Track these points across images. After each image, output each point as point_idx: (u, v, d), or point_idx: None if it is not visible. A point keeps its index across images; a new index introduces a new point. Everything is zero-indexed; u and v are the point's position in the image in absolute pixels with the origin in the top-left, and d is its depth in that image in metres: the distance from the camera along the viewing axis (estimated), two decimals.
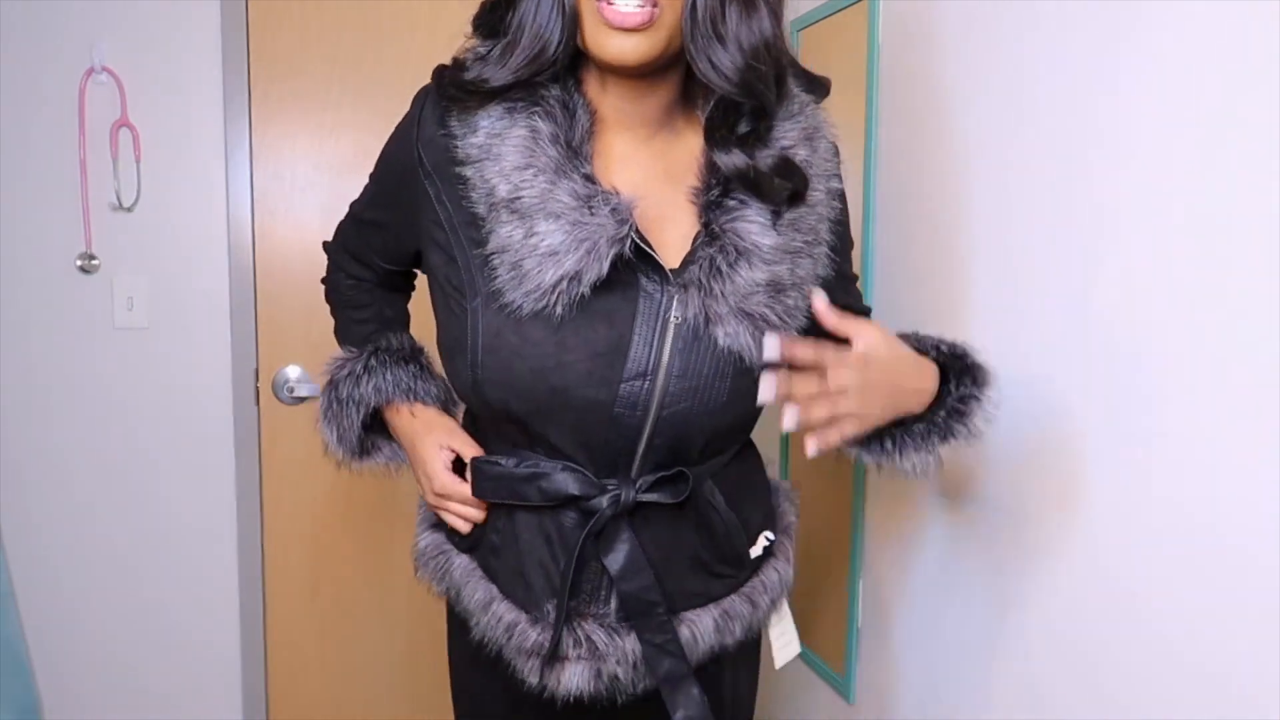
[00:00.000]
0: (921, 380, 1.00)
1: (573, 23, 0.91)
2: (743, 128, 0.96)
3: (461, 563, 1.10)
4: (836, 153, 1.07)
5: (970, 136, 1.24)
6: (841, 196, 1.08)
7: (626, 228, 0.91)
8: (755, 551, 1.13)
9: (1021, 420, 1.14)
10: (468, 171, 0.95)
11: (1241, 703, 0.85)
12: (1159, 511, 0.94)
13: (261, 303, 2.07)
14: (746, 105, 0.94)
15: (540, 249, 0.90)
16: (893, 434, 1.04)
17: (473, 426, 1.14)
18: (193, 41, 1.96)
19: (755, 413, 1.03)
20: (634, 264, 0.94)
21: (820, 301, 0.91)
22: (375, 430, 1.18)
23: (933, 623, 1.37)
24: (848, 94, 1.52)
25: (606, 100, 0.98)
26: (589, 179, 0.92)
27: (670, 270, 0.96)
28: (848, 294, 1.13)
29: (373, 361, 1.14)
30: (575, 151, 0.93)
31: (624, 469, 1.01)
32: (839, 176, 1.06)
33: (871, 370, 0.92)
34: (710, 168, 0.97)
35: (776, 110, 0.97)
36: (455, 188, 0.97)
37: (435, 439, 1.11)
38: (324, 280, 1.27)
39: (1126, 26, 0.96)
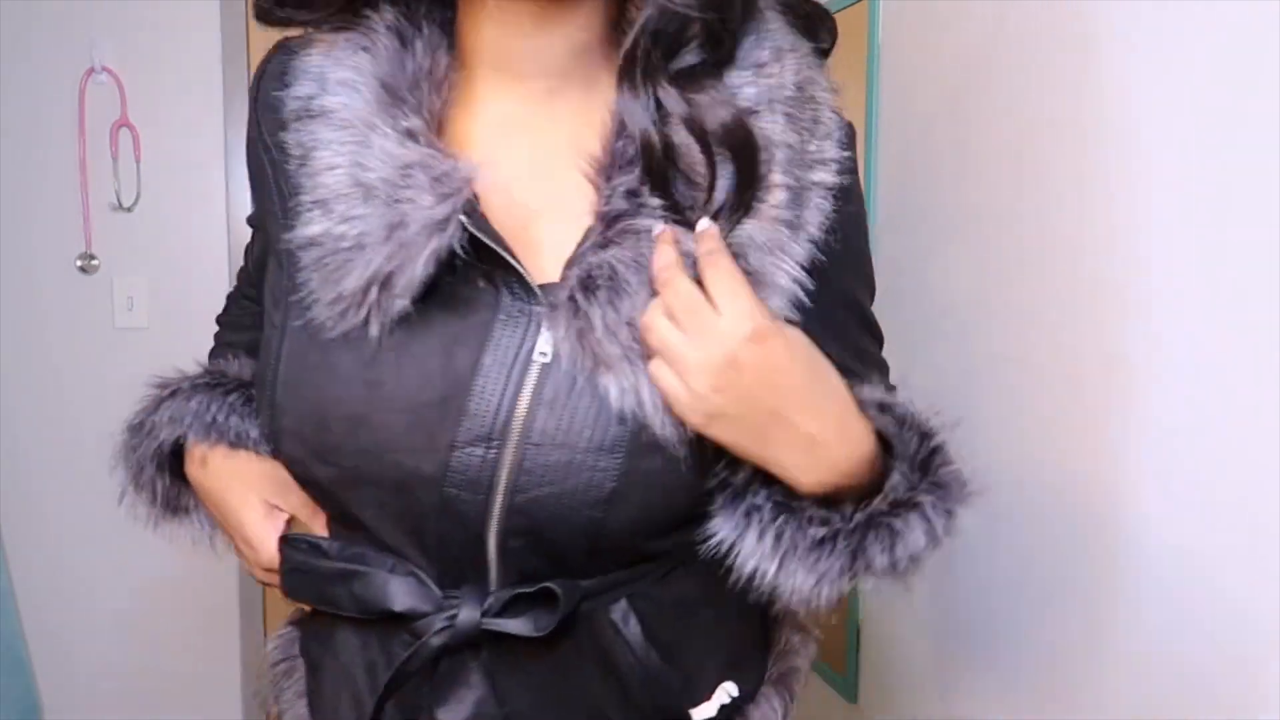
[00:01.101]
0: (824, 427, 0.63)
1: None
2: (687, 59, 0.64)
3: (297, 680, 0.82)
4: (848, 135, 0.73)
5: (973, 137, 1.24)
6: (851, 197, 0.71)
7: (449, 208, 0.62)
8: (706, 711, 0.75)
9: (1027, 410, 1.14)
10: (290, 136, 0.68)
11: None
12: (1169, 506, 0.94)
13: None
14: (696, 26, 0.63)
15: (347, 240, 0.63)
16: (762, 511, 0.65)
17: None
18: (193, 41, 1.96)
19: (684, 509, 0.67)
20: (489, 272, 0.65)
21: (702, 226, 0.63)
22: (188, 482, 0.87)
23: (937, 620, 1.37)
24: (848, 94, 1.52)
25: (485, 35, 0.67)
26: (411, 136, 0.64)
27: (541, 286, 0.65)
28: (846, 358, 0.70)
29: (185, 384, 0.86)
30: (400, 97, 0.65)
31: (476, 576, 0.68)
32: (850, 170, 0.71)
33: (743, 367, 0.60)
34: (622, 129, 0.65)
35: (740, 38, 0.65)
36: (286, 161, 0.69)
37: (256, 493, 0.81)
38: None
39: (1133, 24, 0.96)
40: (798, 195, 0.66)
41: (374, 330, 0.64)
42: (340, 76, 0.66)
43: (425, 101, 0.66)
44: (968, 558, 1.28)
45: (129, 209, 1.96)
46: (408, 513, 0.67)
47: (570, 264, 0.65)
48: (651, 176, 0.64)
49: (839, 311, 0.73)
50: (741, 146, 0.64)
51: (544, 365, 0.64)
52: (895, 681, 1.48)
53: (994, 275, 1.20)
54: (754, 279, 0.64)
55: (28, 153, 1.92)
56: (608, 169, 0.66)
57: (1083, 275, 1.04)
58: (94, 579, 2.04)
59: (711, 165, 0.64)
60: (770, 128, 0.65)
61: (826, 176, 0.68)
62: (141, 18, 1.94)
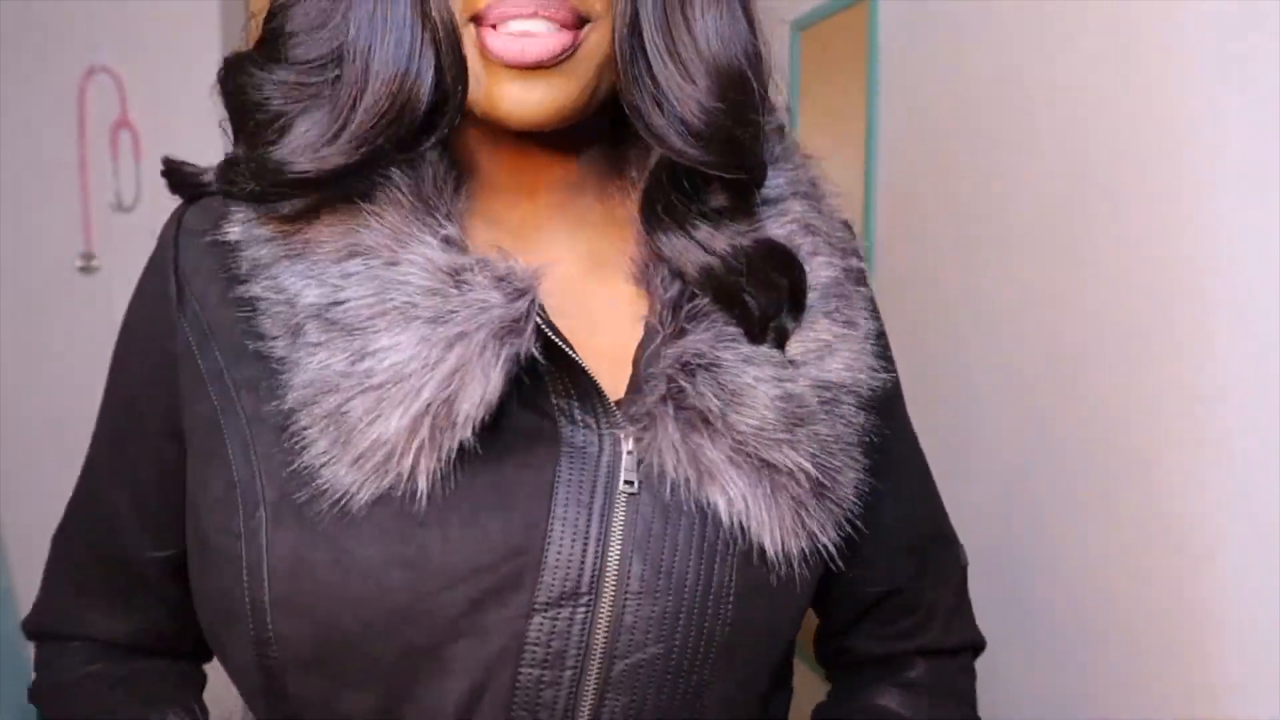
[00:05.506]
0: None
1: (453, 51, 0.53)
2: (714, 202, 0.58)
3: None
4: (849, 229, 0.67)
5: (973, 138, 1.24)
6: (870, 304, 0.65)
7: (526, 304, 0.53)
8: None
9: (1023, 417, 1.14)
10: (257, 288, 0.58)
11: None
12: (1161, 515, 0.94)
13: None
14: (715, 183, 0.57)
15: (378, 376, 0.52)
16: None
17: None
18: (193, 41, 1.96)
19: (782, 656, 0.62)
20: (547, 390, 0.55)
21: None
22: None
23: None
24: (848, 95, 1.53)
25: (496, 159, 0.60)
26: (450, 243, 0.55)
27: (614, 401, 0.56)
28: (908, 507, 0.69)
29: None
30: (429, 206, 0.56)
31: None
32: (861, 272, 0.65)
33: None
34: (648, 240, 0.60)
35: (765, 170, 0.60)
36: (235, 324, 0.59)
37: None
38: (33, 695, 0.70)
39: (1129, 24, 0.96)
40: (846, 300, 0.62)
41: (420, 482, 0.52)
42: (337, 205, 0.57)
43: (453, 207, 0.57)
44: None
45: (129, 209, 1.96)
46: (468, 715, 0.54)
47: (645, 363, 0.57)
48: (720, 296, 0.58)
49: (896, 450, 0.67)
50: (777, 257, 0.59)
51: (630, 496, 0.55)
52: None
53: (995, 275, 1.20)
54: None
55: (28, 153, 1.92)
56: (647, 273, 0.60)
57: (1088, 272, 1.04)
58: None
59: (764, 279, 0.58)
60: (797, 235, 0.61)
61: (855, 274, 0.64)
62: (141, 17, 1.94)
